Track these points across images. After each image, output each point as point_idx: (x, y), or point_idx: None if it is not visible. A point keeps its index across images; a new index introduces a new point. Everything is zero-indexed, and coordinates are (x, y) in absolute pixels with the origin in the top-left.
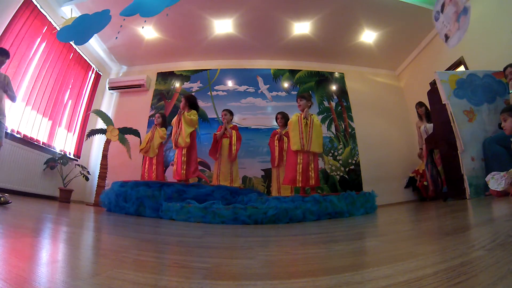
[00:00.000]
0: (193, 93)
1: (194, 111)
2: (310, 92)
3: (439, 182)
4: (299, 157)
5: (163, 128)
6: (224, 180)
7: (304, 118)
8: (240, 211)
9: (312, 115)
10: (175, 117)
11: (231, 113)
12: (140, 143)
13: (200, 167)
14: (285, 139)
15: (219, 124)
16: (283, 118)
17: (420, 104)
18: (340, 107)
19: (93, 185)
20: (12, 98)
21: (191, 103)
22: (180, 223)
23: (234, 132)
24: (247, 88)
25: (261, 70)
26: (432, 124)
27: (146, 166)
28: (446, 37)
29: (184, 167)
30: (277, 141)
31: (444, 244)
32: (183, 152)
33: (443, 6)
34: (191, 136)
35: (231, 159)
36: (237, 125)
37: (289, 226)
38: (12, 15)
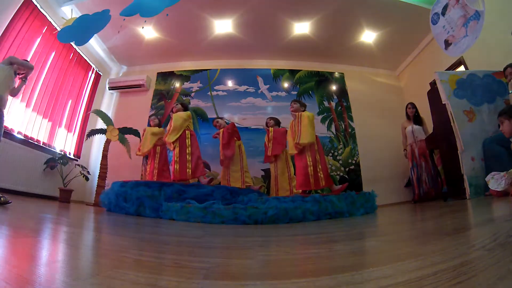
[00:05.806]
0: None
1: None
2: (311, 92)
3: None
4: (302, 160)
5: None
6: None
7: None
8: (240, 211)
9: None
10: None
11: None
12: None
13: None
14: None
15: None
16: (273, 121)
17: (412, 105)
18: (340, 107)
19: (93, 185)
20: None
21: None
22: (180, 223)
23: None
24: (247, 88)
25: (261, 70)
26: (419, 127)
27: (147, 176)
28: (447, 44)
29: (190, 166)
30: (266, 141)
31: (444, 244)
32: (187, 152)
33: (445, 8)
34: (192, 136)
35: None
36: (238, 124)
37: (289, 226)
38: (12, 15)
